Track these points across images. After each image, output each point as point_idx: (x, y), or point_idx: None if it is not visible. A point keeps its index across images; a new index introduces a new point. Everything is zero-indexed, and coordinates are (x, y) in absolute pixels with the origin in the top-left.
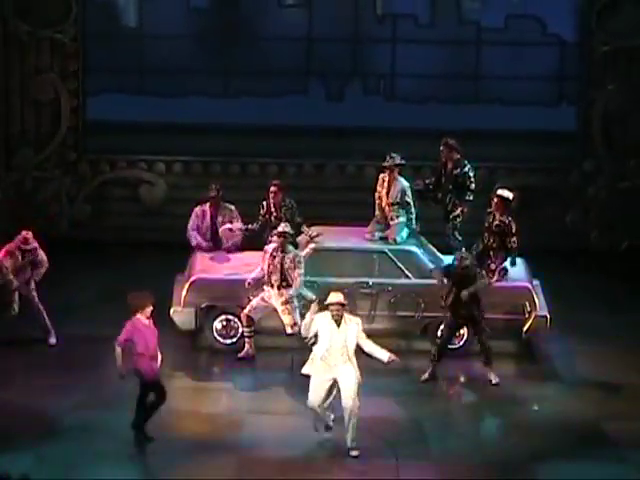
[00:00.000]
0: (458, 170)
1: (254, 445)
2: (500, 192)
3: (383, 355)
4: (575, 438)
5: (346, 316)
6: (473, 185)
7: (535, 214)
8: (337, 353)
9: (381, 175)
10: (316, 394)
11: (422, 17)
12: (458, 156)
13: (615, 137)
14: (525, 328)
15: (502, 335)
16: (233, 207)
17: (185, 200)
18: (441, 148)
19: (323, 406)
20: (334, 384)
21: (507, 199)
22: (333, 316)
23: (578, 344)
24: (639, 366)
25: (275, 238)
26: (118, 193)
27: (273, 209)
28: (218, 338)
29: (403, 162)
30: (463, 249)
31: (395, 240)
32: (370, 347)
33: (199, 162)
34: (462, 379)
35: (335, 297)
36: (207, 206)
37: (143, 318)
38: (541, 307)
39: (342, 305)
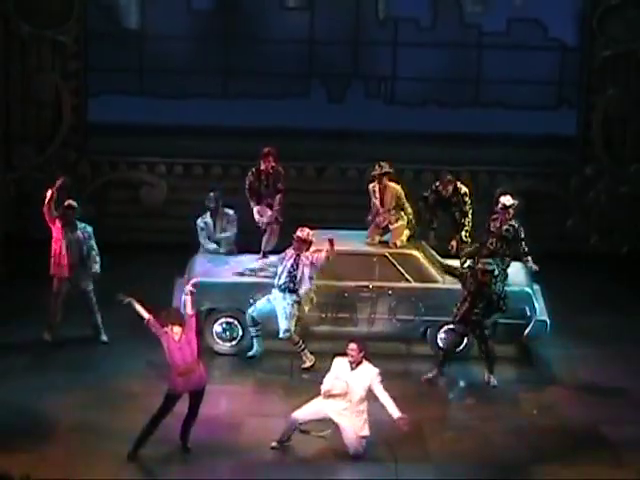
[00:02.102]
0: (454, 199)
1: (253, 448)
2: (503, 200)
3: (394, 411)
4: (574, 441)
5: (365, 364)
6: (467, 198)
7: (535, 218)
8: (339, 396)
9: (370, 185)
10: (306, 413)
11: (424, 20)
12: (451, 181)
13: (615, 141)
14: (525, 332)
15: (502, 339)
16: (232, 212)
17: (185, 202)
18: (438, 184)
19: (297, 425)
20: (328, 419)
21: (512, 205)
22: (348, 359)
23: (578, 348)
24: (639, 370)
25: (294, 243)
26: (119, 194)
27: (264, 177)
28: (218, 341)
29: (391, 170)
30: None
31: (395, 244)
32: (384, 400)
33: (200, 164)
34: (462, 382)
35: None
36: (208, 216)
37: (174, 334)
38: (541, 311)
39: (360, 350)
